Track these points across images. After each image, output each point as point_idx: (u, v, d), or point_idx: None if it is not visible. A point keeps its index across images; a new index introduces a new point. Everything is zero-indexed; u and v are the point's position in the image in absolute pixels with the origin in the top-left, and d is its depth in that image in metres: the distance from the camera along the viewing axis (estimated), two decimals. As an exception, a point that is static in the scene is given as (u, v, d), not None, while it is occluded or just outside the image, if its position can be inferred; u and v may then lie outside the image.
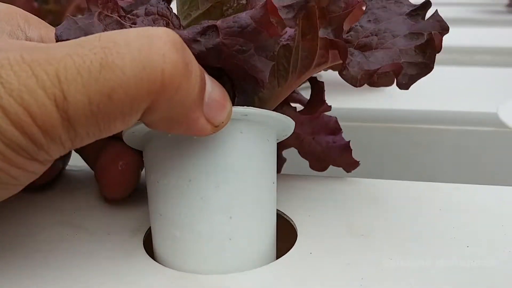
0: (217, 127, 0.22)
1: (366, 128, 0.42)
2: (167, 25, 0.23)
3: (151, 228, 0.25)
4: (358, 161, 0.32)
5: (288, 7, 0.22)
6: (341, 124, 0.41)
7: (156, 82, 0.19)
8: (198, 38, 0.22)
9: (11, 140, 0.19)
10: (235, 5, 0.24)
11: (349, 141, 0.32)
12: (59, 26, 0.22)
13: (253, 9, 0.22)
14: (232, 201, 0.23)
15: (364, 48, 0.25)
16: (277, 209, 0.28)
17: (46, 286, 0.22)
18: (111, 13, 0.23)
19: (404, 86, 0.25)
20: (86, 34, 0.22)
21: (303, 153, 0.33)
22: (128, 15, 0.23)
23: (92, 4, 0.23)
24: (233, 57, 0.22)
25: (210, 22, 0.22)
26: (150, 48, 0.19)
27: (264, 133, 0.25)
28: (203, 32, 0.22)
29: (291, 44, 0.25)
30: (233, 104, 0.23)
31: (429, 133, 0.42)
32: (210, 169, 0.23)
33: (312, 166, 0.33)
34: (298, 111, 0.31)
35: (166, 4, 0.24)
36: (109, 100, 0.19)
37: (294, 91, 0.31)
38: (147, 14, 0.23)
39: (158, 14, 0.23)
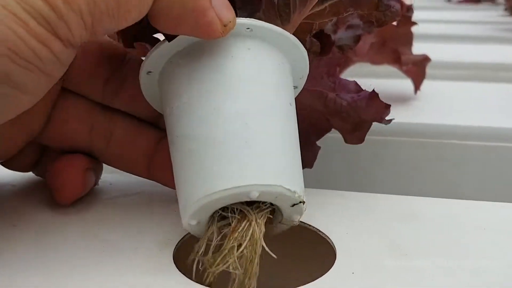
0: (225, 27, 0.22)
1: (393, 142, 0.41)
2: None
3: (172, 160, 0.24)
4: (389, 105, 0.30)
5: None
6: (367, 138, 0.39)
7: None
8: None
9: (31, 6, 0.19)
10: None
11: (373, 89, 0.30)
12: None
13: None
14: (247, 110, 0.22)
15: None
16: (312, 226, 0.27)
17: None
18: None
19: None
20: None
21: (331, 115, 0.31)
22: None
23: None
24: None
25: None
26: None
27: (274, 54, 0.24)
28: None
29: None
30: None
31: (459, 148, 0.41)
32: (221, 82, 0.23)
33: (347, 139, 0.31)
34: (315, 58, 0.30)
35: None
36: None
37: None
38: None
39: None
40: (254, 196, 0.21)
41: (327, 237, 0.26)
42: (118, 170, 0.31)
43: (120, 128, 0.29)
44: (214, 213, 0.22)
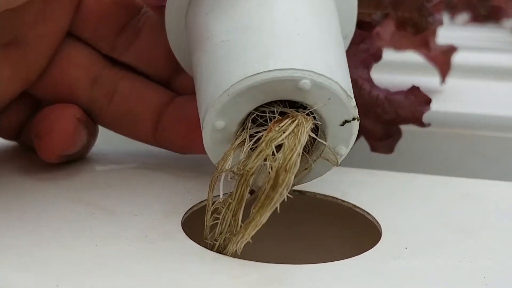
0: None
1: (423, 133, 0.36)
2: None
3: (195, 66, 0.19)
4: (430, 99, 0.27)
5: None
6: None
7: None
8: None
9: None
10: None
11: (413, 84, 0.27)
12: None
13: None
14: (298, 9, 0.18)
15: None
16: (347, 202, 0.22)
17: (53, 266, 0.16)
18: None
19: None
20: None
21: (364, 111, 0.27)
22: None
23: None
24: None
25: None
26: None
27: None
28: None
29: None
30: None
31: (498, 141, 0.37)
32: None
33: (375, 147, 0.28)
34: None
35: None
36: None
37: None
38: None
39: None
40: (305, 86, 0.17)
41: (367, 212, 0.22)
42: (113, 141, 0.27)
43: (127, 84, 0.25)
44: (245, 119, 0.18)
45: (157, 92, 0.25)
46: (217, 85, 0.17)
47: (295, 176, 0.17)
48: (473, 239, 0.20)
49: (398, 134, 0.28)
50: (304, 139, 0.16)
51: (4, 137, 0.26)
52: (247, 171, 0.16)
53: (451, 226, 0.21)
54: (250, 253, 0.18)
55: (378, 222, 0.21)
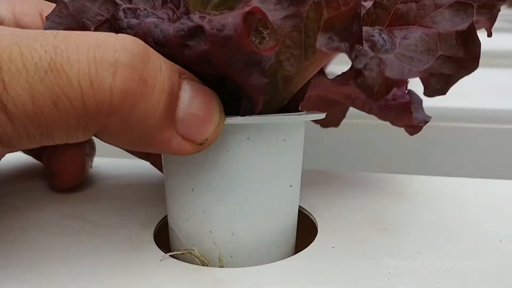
0: (201, 145, 0.20)
1: (378, 126, 0.41)
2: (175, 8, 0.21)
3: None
4: (424, 122, 0.27)
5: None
6: (351, 122, 0.38)
7: (105, 101, 0.17)
8: (187, 42, 0.18)
9: None
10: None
11: (410, 100, 0.27)
12: (49, 14, 0.20)
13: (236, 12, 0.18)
14: (235, 217, 0.21)
15: (400, 21, 0.21)
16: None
17: (49, 279, 0.21)
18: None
19: (438, 92, 0.19)
20: (77, 23, 0.20)
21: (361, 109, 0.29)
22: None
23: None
24: (224, 67, 0.19)
25: (196, 21, 0.18)
26: (101, 62, 0.17)
27: (279, 132, 0.21)
28: (191, 34, 0.18)
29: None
30: (240, 109, 0.20)
31: (448, 131, 0.40)
32: (212, 181, 0.21)
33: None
34: (330, 80, 0.24)
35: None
36: (54, 107, 0.17)
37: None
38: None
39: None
40: None
41: (310, 214, 0.26)
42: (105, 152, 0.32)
43: None
44: None
45: None
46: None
47: None
48: (392, 236, 0.24)
49: (391, 121, 0.29)
50: None
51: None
52: None
53: (380, 223, 0.25)
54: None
55: (316, 223, 0.25)
